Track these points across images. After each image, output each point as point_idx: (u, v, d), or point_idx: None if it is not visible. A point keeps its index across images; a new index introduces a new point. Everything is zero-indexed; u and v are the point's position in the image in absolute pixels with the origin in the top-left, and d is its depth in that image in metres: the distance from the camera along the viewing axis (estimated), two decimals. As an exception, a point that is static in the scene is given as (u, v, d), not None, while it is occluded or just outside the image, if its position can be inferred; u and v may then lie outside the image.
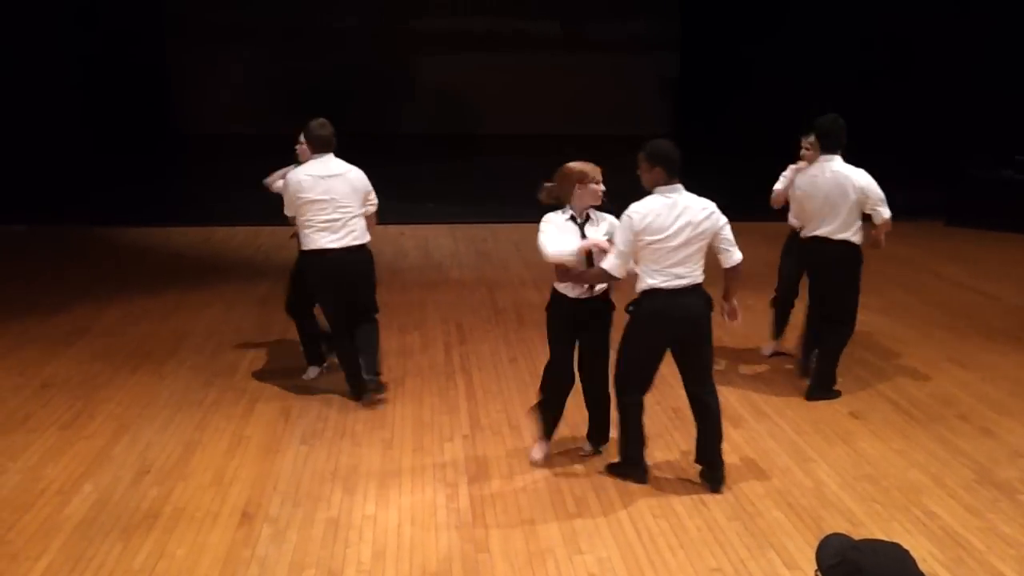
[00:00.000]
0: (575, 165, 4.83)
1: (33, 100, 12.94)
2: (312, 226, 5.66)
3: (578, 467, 5.12)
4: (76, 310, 7.82)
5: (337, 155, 5.80)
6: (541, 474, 5.02)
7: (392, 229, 10.40)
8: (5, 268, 9.33)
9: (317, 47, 17.14)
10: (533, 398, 5.86)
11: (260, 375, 6.39)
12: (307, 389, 6.12)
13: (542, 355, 5.22)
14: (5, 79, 12.68)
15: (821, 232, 5.91)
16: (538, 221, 4.89)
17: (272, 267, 9.30)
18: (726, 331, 7.14)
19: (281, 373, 6.44)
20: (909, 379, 6.43)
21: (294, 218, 5.75)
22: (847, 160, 5.90)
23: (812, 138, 6.07)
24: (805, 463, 5.20)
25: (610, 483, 4.93)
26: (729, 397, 6.09)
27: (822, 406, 5.98)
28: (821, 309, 6.09)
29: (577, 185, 4.76)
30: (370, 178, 5.95)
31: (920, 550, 4.24)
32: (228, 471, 5.03)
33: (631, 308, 4.72)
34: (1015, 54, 12.54)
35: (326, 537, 4.40)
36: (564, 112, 17.17)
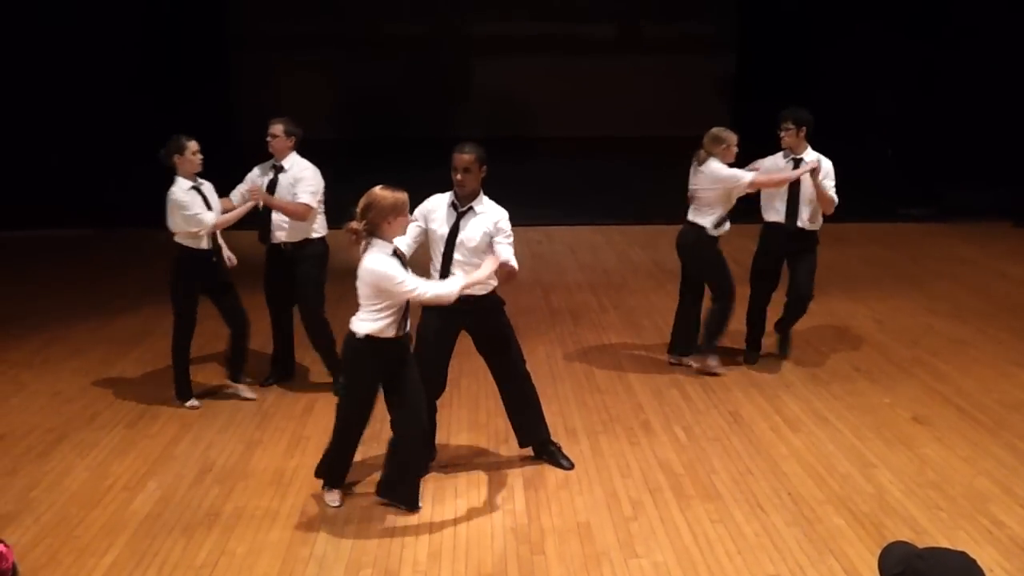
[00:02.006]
0: None
1: (100, 107, 13.29)
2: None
3: (634, 470, 5.08)
4: (142, 312, 8.01)
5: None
6: (596, 477, 5.00)
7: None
8: (71, 271, 9.61)
9: (373, 53, 17.34)
10: (588, 400, 5.86)
11: (317, 378, 6.47)
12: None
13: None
14: (74, 86, 13.06)
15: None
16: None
17: (333, 270, 9.41)
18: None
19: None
20: (974, 383, 6.28)
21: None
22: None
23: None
24: (866, 469, 5.10)
25: (666, 486, 4.90)
26: (789, 403, 6.01)
27: (884, 410, 5.86)
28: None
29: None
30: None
31: (987, 560, 4.13)
32: (287, 471, 5.11)
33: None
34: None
35: (383, 537, 4.44)
36: (619, 114, 17.12)
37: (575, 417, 5.77)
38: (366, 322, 4.47)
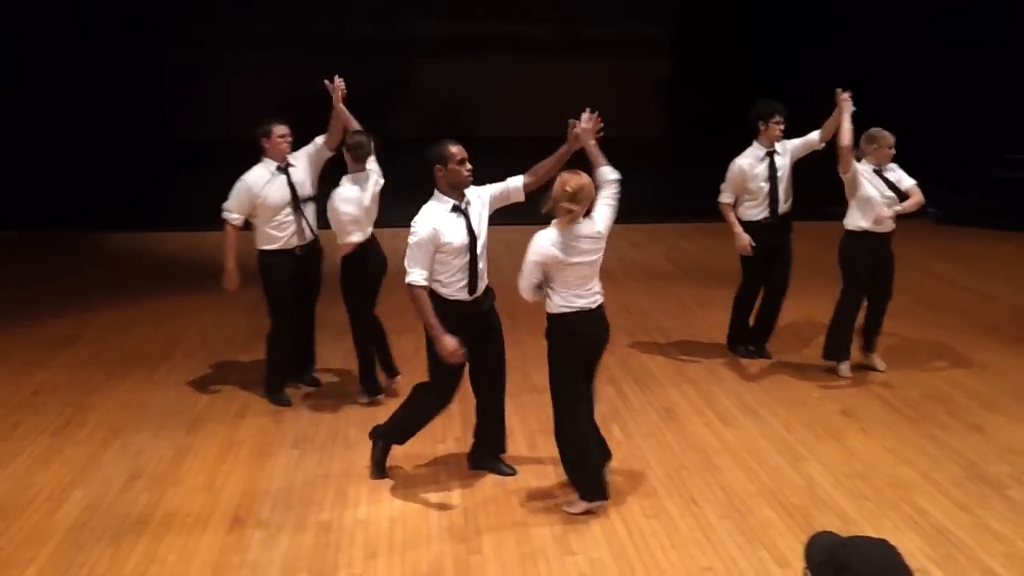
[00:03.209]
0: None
1: (26, 106, 12.93)
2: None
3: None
4: (68, 316, 7.81)
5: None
6: (533, 476, 5.01)
7: (387, 232, 10.36)
8: (-4, 275, 9.32)
9: (311, 53, 17.14)
10: (525, 399, 5.87)
11: (252, 380, 6.37)
12: (299, 394, 6.11)
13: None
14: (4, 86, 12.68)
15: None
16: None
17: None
18: (722, 331, 7.16)
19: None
20: (899, 376, 6.44)
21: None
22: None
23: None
24: (796, 461, 5.20)
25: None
26: (722, 398, 6.11)
27: (814, 404, 5.99)
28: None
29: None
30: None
31: (910, 546, 4.25)
32: (219, 476, 5.03)
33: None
34: (1005, 53, 12.57)
35: (318, 541, 4.39)
36: (559, 114, 17.17)
37: (512, 416, 5.75)
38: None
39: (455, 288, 4.68)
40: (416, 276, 4.59)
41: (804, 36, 14.54)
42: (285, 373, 6.05)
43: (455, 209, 4.67)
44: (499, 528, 4.50)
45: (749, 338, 6.85)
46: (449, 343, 4.56)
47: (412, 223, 4.66)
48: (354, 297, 5.87)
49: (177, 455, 5.27)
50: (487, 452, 5.08)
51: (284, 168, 5.78)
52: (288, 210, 5.77)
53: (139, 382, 6.37)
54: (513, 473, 5.03)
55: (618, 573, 4.12)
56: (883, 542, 2.22)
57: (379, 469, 4.98)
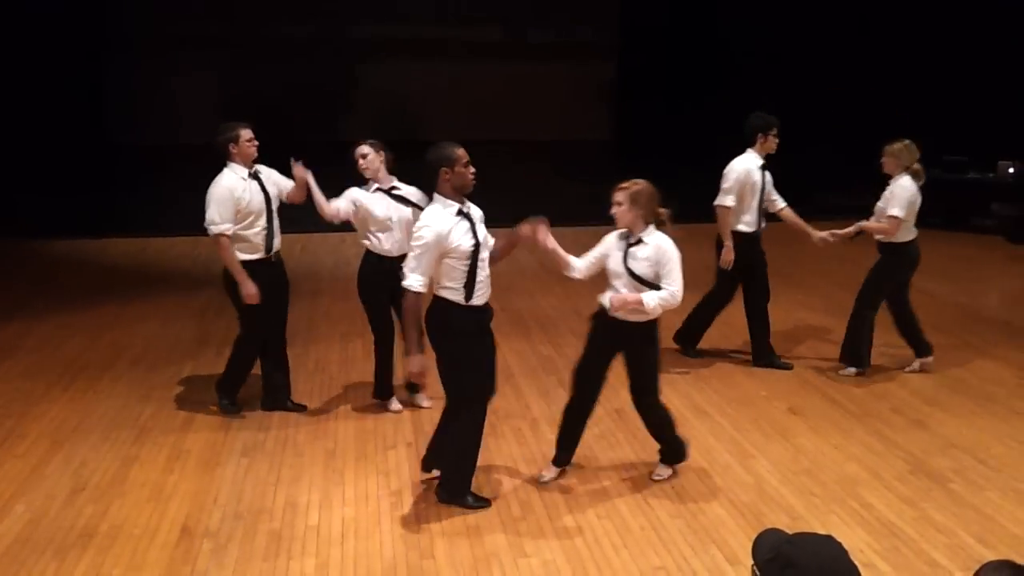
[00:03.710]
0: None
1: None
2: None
3: (523, 471, 5.12)
4: (8, 325, 7.61)
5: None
6: (485, 479, 5.01)
7: (333, 237, 10.31)
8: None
9: (255, 56, 16.97)
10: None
11: (199, 389, 6.27)
12: (247, 402, 6.02)
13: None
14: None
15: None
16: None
17: (211, 279, 9.13)
18: (671, 332, 7.22)
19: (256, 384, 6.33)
20: (845, 375, 6.56)
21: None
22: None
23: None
24: (746, 460, 5.27)
25: (555, 486, 4.95)
26: (672, 397, 6.14)
27: (761, 403, 6.08)
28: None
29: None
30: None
31: (857, 540, 4.34)
32: (167, 486, 4.94)
33: None
34: (942, 54, 12.89)
35: (268, 550, 4.34)
36: (505, 118, 17.25)
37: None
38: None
39: (477, 296, 4.55)
40: (414, 281, 4.47)
41: (742, 42, 14.76)
42: (243, 379, 5.91)
43: (459, 213, 4.54)
44: (452, 532, 4.49)
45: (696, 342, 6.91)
46: (416, 359, 4.51)
47: (415, 227, 4.55)
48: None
49: (123, 466, 5.16)
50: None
51: (255, 174, 5.64)
52: (264, 217, 5.62)
53: (82, 392, 6.23)
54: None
55: (571, 574, 4.14)
56: (829, 538, 2.25)
57: (480, 502, 4.75)
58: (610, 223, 4.77)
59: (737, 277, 6.65)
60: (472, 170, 4.58)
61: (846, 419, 5.83)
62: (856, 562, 2.16)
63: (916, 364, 6.63)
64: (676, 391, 6.26)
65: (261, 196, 5.61)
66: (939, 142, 12.42)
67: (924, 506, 4.74)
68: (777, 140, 6.48)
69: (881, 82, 13.22)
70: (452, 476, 4.75)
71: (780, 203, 6.70)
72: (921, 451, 5.37)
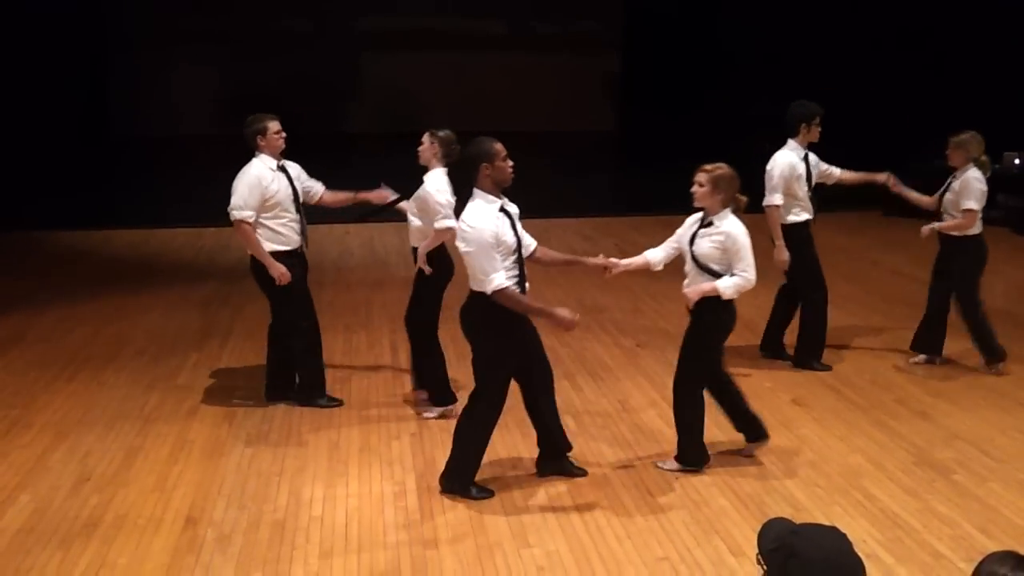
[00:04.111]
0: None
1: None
2: None
3: (526, 461, 5.12)
4: (11, 317, 7.63)
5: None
6: (489, 470, 5.00)
7: (338, 228, 10.32)
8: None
9: (258, 49, 16.96)
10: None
11: (203, 379, 6.29)
12: (251, 392, 6.03)
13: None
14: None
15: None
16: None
17: (215, 270, 9.18)
18: (675, 323, 7.23)
19: (224, 376, 6.35)
20: (849, 366, 6.56)
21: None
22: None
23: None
24: (749, 451, 5.27)
25: (557, 477, 4.95)
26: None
27: (766, 394, 6.07)
28: None
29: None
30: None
31: (860, 532, 4.33)
32: (171, 476, 4.95)
33: None
34: (955, 44, 12.82)
35: (272, 540, 4.34)
36: (510, 110, 17.21)
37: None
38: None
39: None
40: (500, 279, 4.36)
41: (747, 35, 14.70)
42: (321, 369, 5.89)
43: (501, 210, 4.49)
44: (455, 523, 4.49)
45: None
46: (564, 312, 4.51)
47: (462, 226, 4.46)
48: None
49: (127, 456, 5.18)
50: (554, 455, 4.96)
51: (283, 168, 5.63)
52: (293, 210, 5.61)
53: (86, 383, 6.24)
54: (583, 474, 4.93)
55: (575, 565, 4.14)
56: (833, 529, 2.26)
57: (483, 493, 4.73)
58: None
59: (811, 268, 6.47)
60: (511, 163, 4.54)
61: (850, 410, 5.83)
62: (859, 553, 2.16)
63: (921, 357, 6.61)
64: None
65: (289, 189, 5.62)
66: (945, 133, 12.42)
67: (928, 497, 4.73)
68: (820, 129, 6.30)
69: (886, 74, 13.17)
70: (457, 466, 4.75)
71: (836, 172, 6.57)
72: (925, 442, 5.36)
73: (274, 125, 5.59)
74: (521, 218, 4.66)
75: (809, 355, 6.52)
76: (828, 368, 6.48)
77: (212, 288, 8.22)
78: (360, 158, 13.59)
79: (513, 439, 5.39)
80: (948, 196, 6.31)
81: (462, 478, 4.74)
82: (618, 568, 4.11)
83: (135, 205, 12.06)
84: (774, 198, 6.24)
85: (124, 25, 16.56)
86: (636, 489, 4.82)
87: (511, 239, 4.48)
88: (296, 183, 5.67)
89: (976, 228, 6.29)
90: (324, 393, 5.87)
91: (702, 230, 4.78)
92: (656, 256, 4.98)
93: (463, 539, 4.35)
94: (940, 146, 6.47)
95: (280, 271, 5.50)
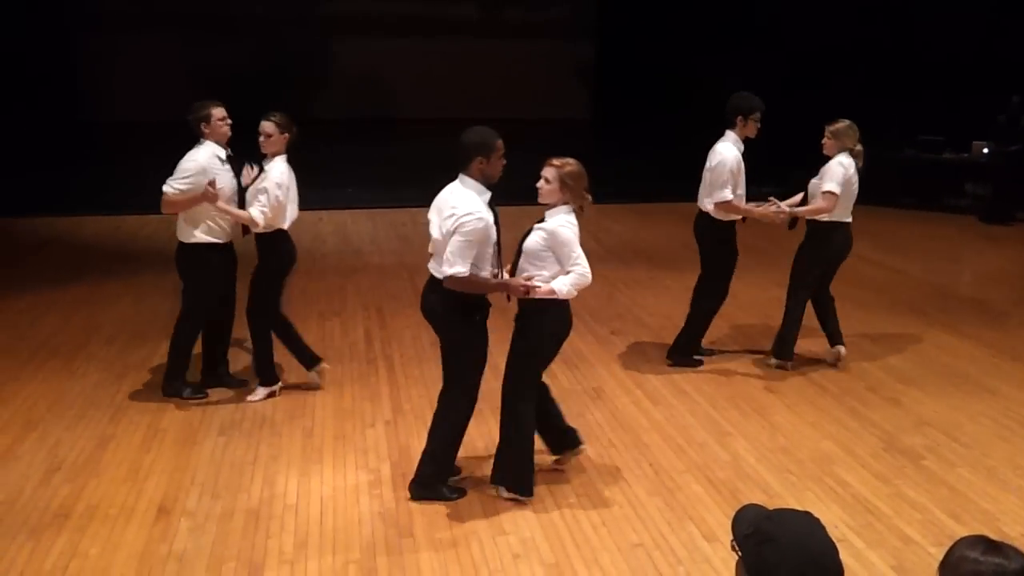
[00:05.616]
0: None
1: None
2: None
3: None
4: (-22, 305, 7.52)
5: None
6: (463, 457, 5.01)
7: (310, 215, 10.21)
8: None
9: (230, 32, 16.78)
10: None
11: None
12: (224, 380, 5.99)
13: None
14: None
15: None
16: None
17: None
18: (649, 311, 7.26)
19: (196, 363, 6.29)
20: (821, 352, 6.62)
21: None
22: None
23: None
24: (723, 438, 5.31)
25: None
26: (650, 377, 6.19)
27: (739, 381, 6.11)
28: None
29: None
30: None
31: (832, 517, 4.39)
32: (143, 465, 4.91)
33: None
34: (920, 35, 12.95)
35: (247, 529, 4.32)
36: (482, 96, 17.16)
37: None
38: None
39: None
40: (461, 269, 4.26)
41: (720, 24, 14.74)
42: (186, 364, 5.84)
43: (488, 204, 4.41)
44: (430, 511, 4.49)
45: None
46: (514, 280, 4.41)
47: (457, 213, 4.28)
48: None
49: (98, 445, 5.12)
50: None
51: (230, 159, 5.57)
52: (233, 205, 5.52)
53: (56, 372, 6.17)
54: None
55: (550, 551, 4.16)
56: (807, 514, 2.27)
57: (456, 492, 4.66)
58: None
59: (726, 267, 6.35)
60: (504, 162, 4.47)
61: (822, 397, 5.89)
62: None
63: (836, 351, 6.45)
64: (654, 369, 6.30)
65: (233, 183, 5.56)
66: (915, 122, 12.55)
67: (898, 483, 4.80)
68: (758, 125, 6.10)
69: (855, 62, 13.26)
70: (427, 469, 4.64)
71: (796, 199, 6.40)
72: (895, 429, 5.43)
73: (218, 112, 5.51)
74: (494, 206, 4.63)
75: (684, 350, 6.39)
76: (700, 364, 6.37)
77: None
78: (325, 144, 13.49)
79: (489, 427, 5.39)
80: (813, 180, 6.21)
81: (432, 481, 4.65)
82: (593, 554, 4.13)
83: (104, 191, 11.90)
84: (725, 193, 6.01)
85: (92, 6, 16.31)
86: (610, 476, 4.85)
87: (494, 233, 4.46)
88: (240, 178, 5.60)
89: (839, 216, 6.14)
90: (181, 382, 5.77)
91: (535, 226, 4.56)
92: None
93: (438, 527, 4.35)
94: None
95: (211, 193, 5.34)
